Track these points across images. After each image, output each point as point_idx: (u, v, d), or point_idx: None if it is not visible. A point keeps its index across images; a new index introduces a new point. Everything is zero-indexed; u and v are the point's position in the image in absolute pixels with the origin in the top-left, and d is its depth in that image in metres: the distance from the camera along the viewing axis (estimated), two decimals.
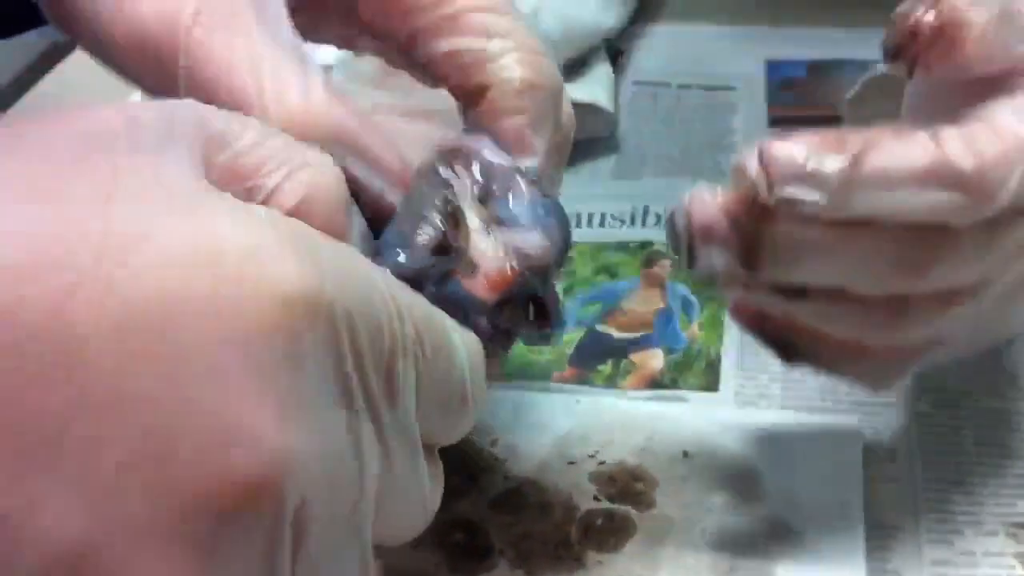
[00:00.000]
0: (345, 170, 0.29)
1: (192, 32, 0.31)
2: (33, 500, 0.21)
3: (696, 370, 0.46)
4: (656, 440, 0.42)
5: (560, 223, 0.33)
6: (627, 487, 0.41)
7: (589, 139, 0.58)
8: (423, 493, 0.28)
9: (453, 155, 0.33)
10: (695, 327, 0.48)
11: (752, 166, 0.32)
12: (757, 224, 0.33)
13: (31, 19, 0.36)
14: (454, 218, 0.31)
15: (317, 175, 0.28)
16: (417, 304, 0.27)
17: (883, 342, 0.36)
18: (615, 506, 0.40)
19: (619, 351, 0.47)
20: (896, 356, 0.37)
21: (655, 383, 0.46)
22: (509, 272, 0.32)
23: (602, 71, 0.61)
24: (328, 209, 0.28)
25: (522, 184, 0.33)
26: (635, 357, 0.47)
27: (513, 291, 0.31)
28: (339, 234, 0.27)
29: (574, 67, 0.60)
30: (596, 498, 0.40)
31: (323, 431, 0.24)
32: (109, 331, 0.21)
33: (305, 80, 0.31)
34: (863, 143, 0.32)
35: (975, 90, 0.34)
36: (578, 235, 0.53)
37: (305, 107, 0.31)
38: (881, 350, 0.36)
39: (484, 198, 0.32)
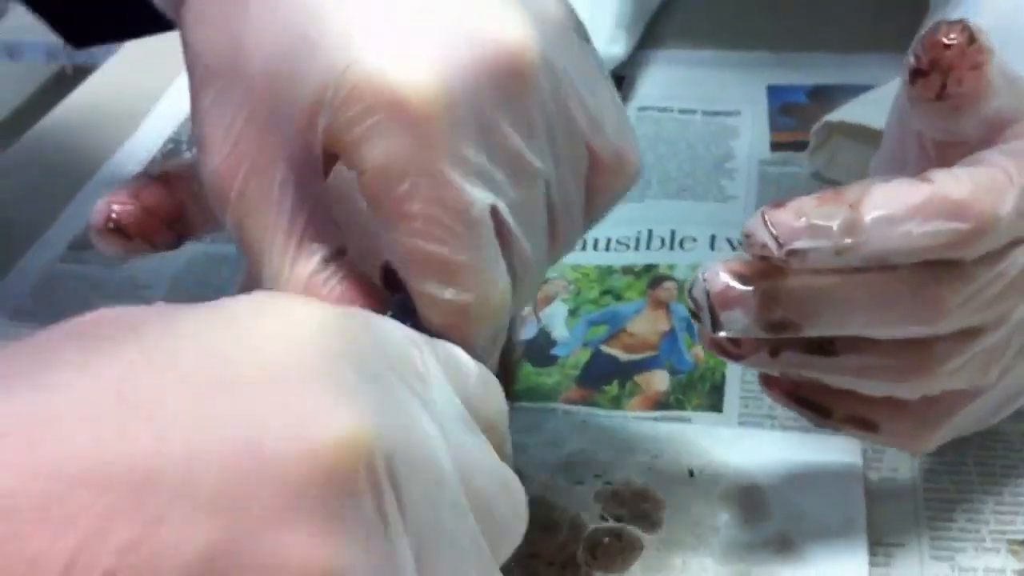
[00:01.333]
0: None
1: (234, 212, 0.33)
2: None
3: (701, 391, 0.47)
4: (662, 460, 0.43)
5: None
6: (634, 506, 0.41)
7: None
8: (502, 476, 0.30)
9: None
10: (699, 349, 0.49)
11: (759, 228, 0.34)
12: (772, 282, 0.35)
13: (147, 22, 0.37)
14: None
15: None
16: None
17: (915, 392, 0.37)
18: (622, 525, 0.41)
19: (625, 372, 0.48)
20: (933, 410, 0.38)
21: (660, 404, 0.47)
22: None
23: None
24: None
25: None
26: (640, 378, 0.48)
27: None
28: None
29: None
30: (603, 517, 0.41)
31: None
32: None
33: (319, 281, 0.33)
34: (860, 190, 0.34)
35: (960, 151, 0.36)
36: (584, 258, 0.54)
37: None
38: (917, 406, 0.38)
39: None
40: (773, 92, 0.66)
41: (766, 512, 0.41)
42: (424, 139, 0.30)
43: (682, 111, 0.65)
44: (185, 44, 0.35)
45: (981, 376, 0.37)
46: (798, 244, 0.34)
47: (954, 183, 0.34)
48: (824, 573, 0.39)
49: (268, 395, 0.25)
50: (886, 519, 0.41)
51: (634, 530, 0.41)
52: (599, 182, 0.36)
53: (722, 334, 0.36)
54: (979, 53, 0.35)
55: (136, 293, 0.54)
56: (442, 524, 0.27)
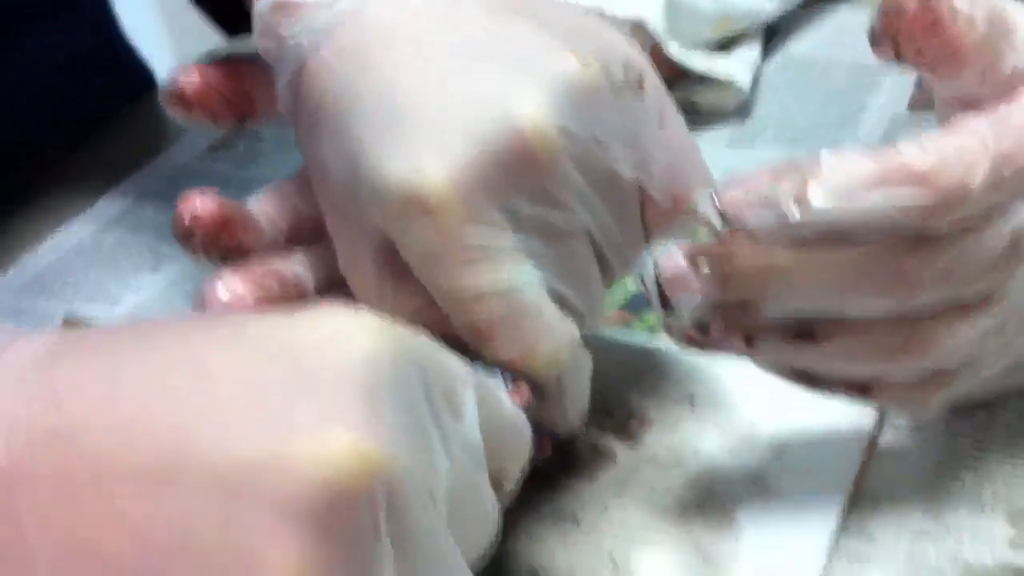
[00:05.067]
0: None
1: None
2: None
3: None
4: (667, 384, 0.43)
5: None
6: (620, 421, 0.42)
7: (712, 110, 0.58)
8: (487, 508, 0.32)
9: None
10: None
11: (707, 204, 0.34)
12: (724, 260, 0.34)
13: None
14: None
15: None
16: None
17: (906, 373, 0.36)
18: (601, 434, 0.41)
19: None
20: (931, 379, 0.36)
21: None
22: None
23: (749, 54, 0.61)
24: None
25: None
26: None
27: None
28: None
29: (722, 46, 0.61)
30: (587, 429, 0.41)
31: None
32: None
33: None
34: (815, 162, 0.33)
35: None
36: None
37: None
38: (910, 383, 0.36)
39: None
40: None
41: (753, 448, 0.40)
42: (444, 231, 0.34)
43: (827, 64, 0.63)
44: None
45: (978, 353, 0.36)
46: (746, 218, 0.33)
47: (919, 153, 0.32)
48: (790, 510, 0.38)
49: (297, 405, 0.27)
50: (882, 474, 0.39)
51: (610, 442, 0.41)
52: (654, 219, 0.38)
53: (682, 320, 0.36)
54: (931, 14, 0.33)
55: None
56: (430, 555, 0.28)
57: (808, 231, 0.33)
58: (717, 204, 0.34)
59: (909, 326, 0.35)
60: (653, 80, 0.38)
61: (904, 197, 0.32)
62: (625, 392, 0.43)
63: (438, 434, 0.29)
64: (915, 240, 0.33)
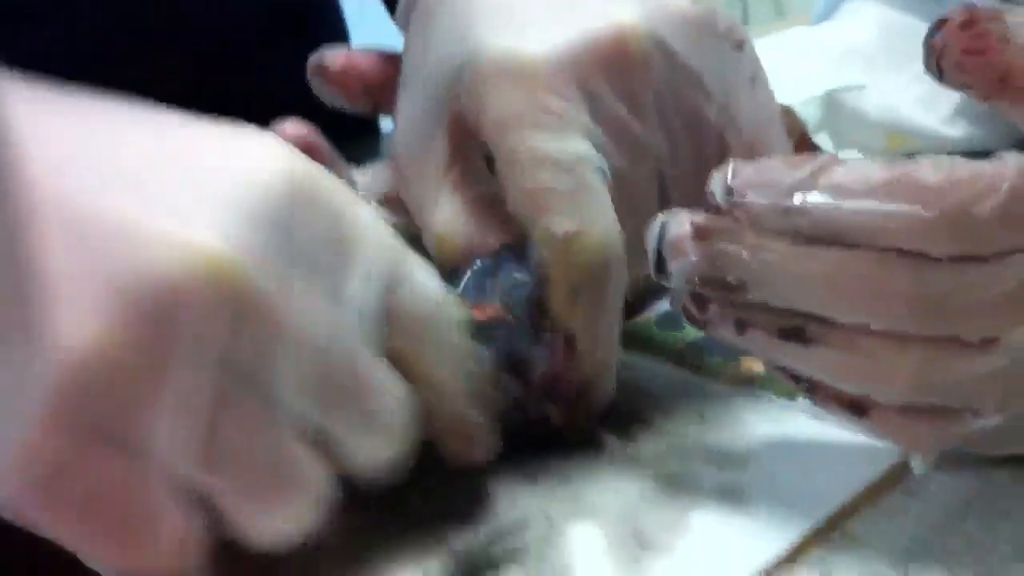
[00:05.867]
0: None
1: (405, 172, 0.42)
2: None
3: None
4: (684, 402, 0.43)
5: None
6: (624, 423, 0.42)
7: None
8: (366, 383, 0.32)
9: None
10: None
11: (717, 177, 0.35)
12: (724, 237, 0.34)
13: None
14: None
15: None
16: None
17: (892, 400, 0.34)
18: (602, 429, 0.41)
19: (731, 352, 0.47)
20: (926, 416, 0.34)
21: (745, 381, 0.45)
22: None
23: None
24: None
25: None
26: (748, 359, 0.47)
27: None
28: None
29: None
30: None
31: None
32: None
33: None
34: (832, 159, 0.33)
35: None
36: None
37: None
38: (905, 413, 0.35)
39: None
40: None
41: (745, 465, 0.39)
42: (528, 94, 0.37)
43: None
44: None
45: (975, 399, 0.34)
46: (747, 197, 0.34)
47: (931, 170, 0.32)
48: (745, 528, 0.36)
49: (180, 200, 0.29)
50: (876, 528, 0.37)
51: (605, 437, 0.41)
52: None
53: (672, 286, 0.36)
54: (978, 39, 0.33)
55: None
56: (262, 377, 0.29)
57: (807, 225, 0.33)
58: (728, 178, 0.34)
59: (899, 348, 0.33)
60: (751, 48, 0.41)
61: (905, 210, 0.32)
62: (638, 403, 0.43)
63: (308, 269, 0.30)
64: (914, 259, 0.32)
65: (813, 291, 0.33)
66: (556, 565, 0.35)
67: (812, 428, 0.41)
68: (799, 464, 0.39)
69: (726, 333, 0.36)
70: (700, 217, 0.35)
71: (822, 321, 0.34)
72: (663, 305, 0.51)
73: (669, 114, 0.39)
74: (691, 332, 0.49)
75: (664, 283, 0.36)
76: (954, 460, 0.39)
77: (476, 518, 0.37)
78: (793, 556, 0.35)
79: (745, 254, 0.34)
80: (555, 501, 0.38)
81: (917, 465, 0.37)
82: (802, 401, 0.43)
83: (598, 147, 0.38)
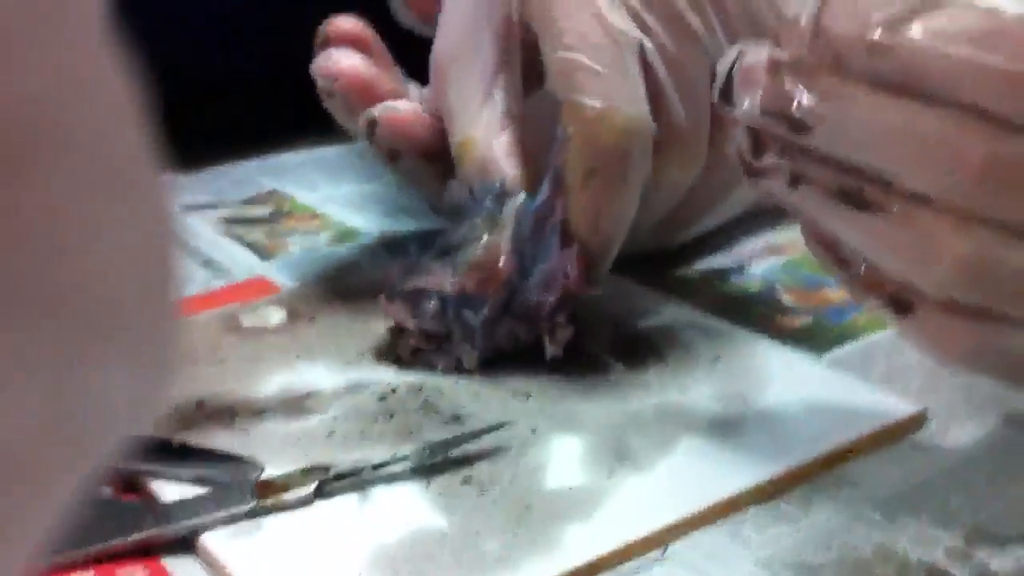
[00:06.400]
0: None
1: (446, 73, 0.43)
2: None
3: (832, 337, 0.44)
4: (703, 344, 0.42)
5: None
6: (636, 352, 0.41)
7: None
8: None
9: None
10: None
11: (807, 7, 0.32)
12: (801, 72, 0.32)
13: None
14: None
15: None
16: None
17: (937, 285, 0.31)
18: (612, 354, 0.41)
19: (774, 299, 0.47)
20: (963, 317, 0.31)
21: (790, 333, 0.44)
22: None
23: None
24: None
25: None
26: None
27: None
28: None
29: None
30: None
31: None
32: None
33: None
34: (935, 3, 0.30)
35: None
36: None
37: None
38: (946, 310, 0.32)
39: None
40: None
41: (743, 420, 0.38)
42: None
43: None
44: None
45: (1020, 302, 0.31)
46: (833, 27, 0.31)
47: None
48: (703, 467, 0.36)
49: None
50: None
51: (612, 360, 0.41)
52: None
53: (729, 110, 0.33)
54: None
55: None
56: None
57: (889, 70, 0.30)
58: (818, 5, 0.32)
59: (954, 227, 0.30)
60: None
61: (998, 61, 0.29)
62: (659, 341, 0.42)
63: None
64: (994, 125, 0.29)
65: (883, 144, 0.31)
66: (528, 467, 0.35)
67: (832, 381, 0.40)
68: (806, 408, 0.38)
69: (778, 187, 0.33)
70: (779, 51, 0.32)
71: (882, 184, 0.31)
72: (710, 259, 0.50)
73: (725, 6, 0.40)
74: (736, 284, 0.48)
75: (724, 113, 0.34)
76: (968, 418, 0.37)
77: (460, 421, 0.38)
78: (771, 489, 0.34)
79: (818, 95, 0.31)
80: (544, 416, 0.38)
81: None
82: (828, 358, 0.42)
83: (646, 30, 0.39)
